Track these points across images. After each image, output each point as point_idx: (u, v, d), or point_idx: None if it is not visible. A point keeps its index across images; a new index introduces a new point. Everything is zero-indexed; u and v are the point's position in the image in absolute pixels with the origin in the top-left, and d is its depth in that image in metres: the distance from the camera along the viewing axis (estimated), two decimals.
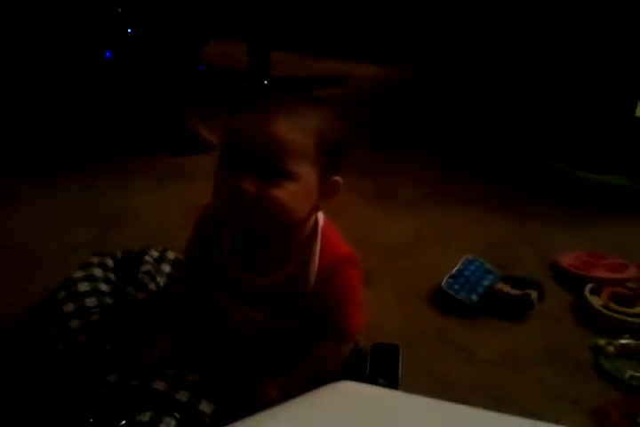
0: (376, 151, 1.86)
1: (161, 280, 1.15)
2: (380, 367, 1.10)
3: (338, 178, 0.90)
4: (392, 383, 1.07)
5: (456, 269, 1.36)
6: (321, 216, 0.95)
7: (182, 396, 0.91)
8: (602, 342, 1.21)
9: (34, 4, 1.91)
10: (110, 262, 1.20)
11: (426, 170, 1.81)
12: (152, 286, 1.13)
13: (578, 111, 1.75)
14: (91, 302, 1.08)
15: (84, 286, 1.11)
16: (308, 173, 0.85)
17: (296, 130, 0.83)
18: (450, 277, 1.34)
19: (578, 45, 1.75)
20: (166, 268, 1.19)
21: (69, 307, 1.06)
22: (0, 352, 1.09)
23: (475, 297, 1.29)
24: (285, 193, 0.83)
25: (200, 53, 1.81)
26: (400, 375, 1.08)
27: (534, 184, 1.74)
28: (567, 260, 1.43)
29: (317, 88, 2.14)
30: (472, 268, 1.37)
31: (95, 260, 1.19)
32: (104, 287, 1.13)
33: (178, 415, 0.89)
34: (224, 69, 2.26)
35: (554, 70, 1.81)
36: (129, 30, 2.13)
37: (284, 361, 0.97)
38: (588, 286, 1.34)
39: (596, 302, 1.30)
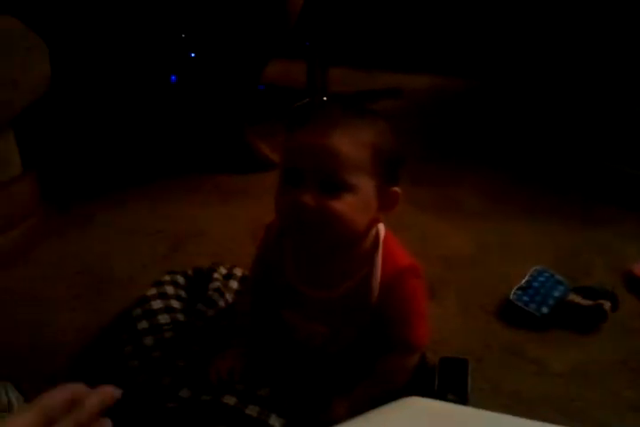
0: (434, 162, 1.86)
1: (229, 297, 1.17)
2: (449, 382, 1.09)
3: (397, 189, 0.91)
4: (461, 399, 1.06)
5: (525, 280, 1.34)
6: (382, 228, 0.95)
7: (252, 411, 0.92)
8: None
9: (103, 35, 1.99)
10: (181, 280, 1.24)
11: (486, 180, 1.79)
12: (221, 303, 1.15)
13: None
14: (164, 318, 1.11)
15: (157, 304, 1.14)
16: (365, 184, 0.86)
17: (351, 143, 0.84)
18: (518, 289, 1.31)
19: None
20: (234, 284, 1.22)
21: (143, 324, 1.10)
22: (77, 369, 1.13)
23: (545, 309, 1.27)
24: (344, 205, 0.84)
25: (260, 73, 1.85)
26: (469, 390, 1.07)
27: (603, 191, 1.70)
28: None
29: (373, 101, 2.15)
30: (541, 279, 1.34)
31: (167, 277, 1.22)
32: (176, 304, 1.16)
33: None
34: (283, 88, 2.30)
35: (616, 72, 1.76)
36: (192, 55, 2.20)
37: (351, 375, 0.97)
38: None
39: None
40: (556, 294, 1.30)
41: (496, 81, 2.31)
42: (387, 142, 0.88)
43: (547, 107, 1.96)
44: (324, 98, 2.16)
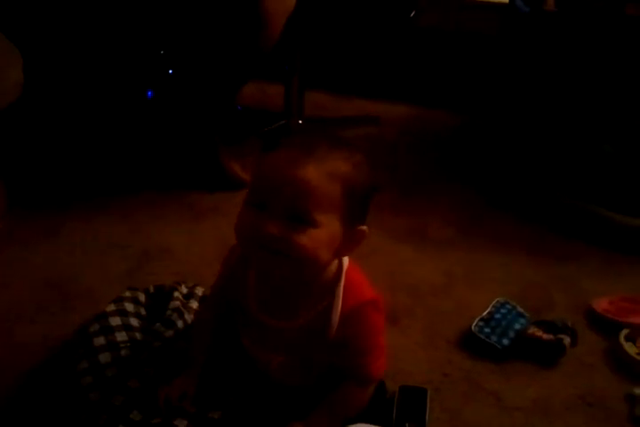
0: (405, 191, 1.87)
1: (189, 317, 1.16)
2: (408, 411, 1.08)
3: (364, 227, 0.89)
4: None
5: (487, 311, 1.34)
6: (345, 260, 0.94)
7: None
8: (637, 391, 1.17)
9: (82, 45, 1.99)
10: (142, 297, 1.22)
11: (458, 210, 1.80)
12: (180, 324, 1.14)
13: (612, 151, 1.74)
14: (121, 336, 1.09)
15: (115, 321, 1.12)
16: (332, 222, 0.84)
17: (324, 177, 0.82)
18: (480, 320, 1.32)
19: (612, 85, 1.75)
20: (194, 304, 1.20)
21: (100, 340, 1.08)
22: (30, 383, 1.11)
23: (506, 341, 1.27)
24: (308, 239, 0.82)
25: (237, 93, 1.86)
26: (427, 420, 1.07)
27: (569, 226, 1.72)
28: (601, 304, 1.40)
29: (349, 128, 2.17)
30: (503, 311, 1.35)
31: (128, 293, 1.21)
32: (135, 322, 1.14)
33: None
34: (260, 110, 2.31)
35: (587, 109, 1.80)
36: (170, 71, 2.20)
37: (306, 403, 0.96)
38: (623, 332, 1.31)
39: (631, 349, 1.27)
40: (517, 326, 1.30)
41: (472, 113, 2.35)
42: (360, 178, 0.86)
43: (516, 141, 1.99)
44: (300, 122, 2.17)
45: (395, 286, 1.44)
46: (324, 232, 0.83)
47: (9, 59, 1.38)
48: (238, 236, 0.88)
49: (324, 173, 0.82)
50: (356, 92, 2.49)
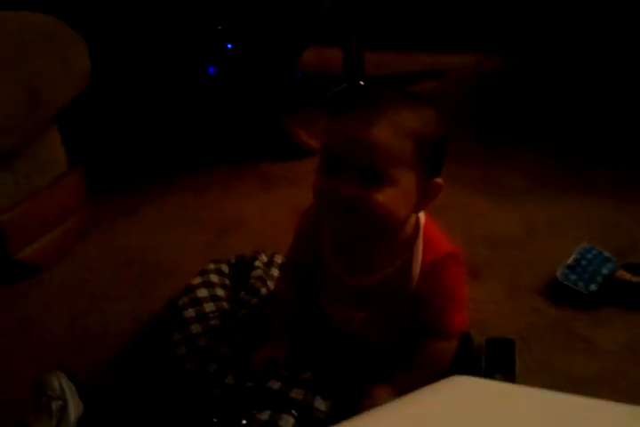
0: (477, 141, 1.82)
1: (271, 284, 1.18)
2: (496, 363, 1.08)
3: (439, 180, 0.88)
4: (509, 378, 1.05)
5: (572, 258, 1.31)
6: (422, 215, 0.94)
7: (297, 394, 0.93)
8: None
9: (141, 29, 2.02)
10: (225, 268, 1.25)
11: (531, 158, 1.75)
12: (263, 291, 1.16)
13: None
14: (209, 307, 1.13)
15: (202, 293, 1.16)
16: (406, 177, 0.84)
17: (395, 134, 0.82)
18: (566, 268, 1.29)
19: None
20: (275, 272, 1.23)
21: (190, 313, 1.12)
22: (126, 357, 1.16)
23: (594, 287, 1.24)
24: (384, 197, 0.82)
25: (297, 61, 1.85)
26: (517, 370, 1.06)
27: None
28: None
29: (415, 83, 2.13)
30: (589, 256, 1.31)
31: (212, 266, 1.24)
32: (221, 293, 1.18)
33: (295, 413, 0.92)
34: (320, 75, 2.30)
35: None
36: (229, 46, 2.22)
37: (390, 360, 0.97)
38: None
39: None
40: (605, 271, 1.27)
41: (538, 57, 2.26)
42: (432, 133, 0.85)
43: (585, 83, 1.90)
44: (362, 82, 2.14)
45: (473, 240, 1.42)
46: (399, 188, 0.83)
47: (76, 49, 1.42)
48: (316, 197, 0.89)
49: (394, 129, 0.82)
50: (416, 46, 2.43)
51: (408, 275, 0.92)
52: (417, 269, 0.91)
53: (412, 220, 0.92)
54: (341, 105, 0.87)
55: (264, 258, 1.28)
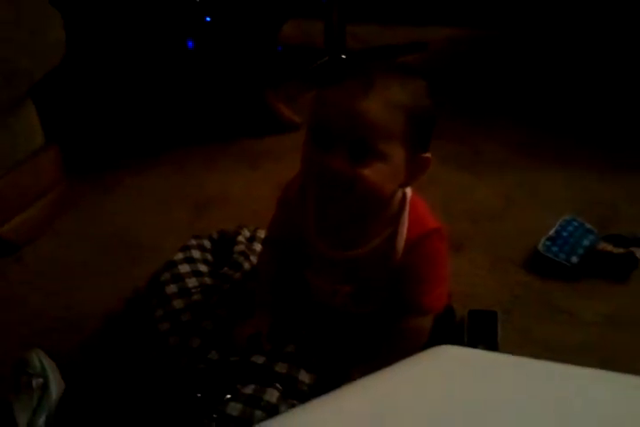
0: (459, 115, 1.81)
1: (254, 259, 1.17)
2: (479, 334, 1.09)
3: (428, 155, 0.88)
4: (492, 349, 1.06)
5: (553, 230, 1.32)
6: (408, 189, 0.94)
7: (281, 368, 0.93)
8: None
9: (117, 3, 1.98)
10: (207, 244, 1.24)
11: (510, 131, 1.75)
12: (246, 266, 1.16)
13: None
14: (191, 282, 1.12)
15: (184, 268, 1.15)
16: (397, 152, 0.83)
17: (386, 108, 0.80)
18: (547, 240, 1.30)
19: None
20: (258, 247, 1.22)
21: (172, 288, 1.11)
22: (108, 333, 1.16)
23: (575, 258, 1.25)
24: (374, 172, 0.82)
25: (277, 34, 1.82)
26: (499, 341, 1.07)
27: (627, 137, 1.65)
28: None
29: (396, 56, 2.11)
30: (570, 228, 1.32)
31: (194, 242, 1.23)
32: (203, 268, 1.17)
33: (279, 386, 0.92)
34: (302, 48, 2.26)
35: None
36: (208, 19, 2.17)
37: (373, 332, 0.97)
38: None
39: None
40: (586, 242, 1.28)
41: (520, 31, 2.24)
42: (423, 106, 0.84)
43: (570, 55, 1.90)
44: (343, 56, 2.12)
45: (455, 214, 1.42)
46: (389, 163, 0.83)
47: (49, 20, 1.38)
48: (304, 171, 0.88)
49: (384, 103, 0.80)
50: (398, 20, 2.41)
51: (392, 248, 0.91)
52: (401, 242, 0.91)
53: (399, 194, 0.92)
54: (329, 77, 0.86)
55: (247, 233, 1.27)
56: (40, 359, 0.99)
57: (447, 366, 0.73)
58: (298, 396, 0.92)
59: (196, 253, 1.20)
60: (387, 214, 0.92)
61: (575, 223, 1.33)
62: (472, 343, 1.07)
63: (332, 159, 0.82)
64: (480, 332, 1.09)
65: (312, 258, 0.98)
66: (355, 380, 0.88)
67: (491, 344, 1.07)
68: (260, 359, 0.94)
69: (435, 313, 0.97)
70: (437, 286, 0.95)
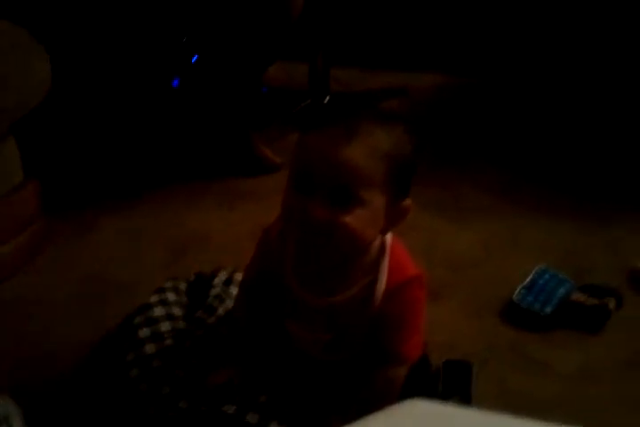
0: (440, 161, 1.84)
1: (230, 303, 1.17)
2: (453, 385, 1.08)
3: (408, 202, 0.89)
4: (466, 401, 1.05)
5: (528, 279, 1.32)
6: (389, 235, 0.94)
7: (252, 418, 0.92)
8: None
9: (104, 38, 2.00)
10: (183, 286, 1.23)
11: (491, 179, 1.77)
12: (221, 310, 1.15)
13: None
14: (165, 326, 1.11)
15: (158, 311, 1.14)
16: (377, 199, 0.84)
17: (368, 156, 0.81)
18: (522, 289, 1.30)
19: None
20: (235, 290, 1.21)
21: (145, 332, 1.10)
22: (78, 376, 1.14)
23: (549, 309, 1.26)
24: (355, 219, 0.82)
25: (262, 76, 1.85)
26: (474, 393, 1.06)
27: (608, 188, 1.68)
28: None
29: (378, 101, 2.14)
30: (545, 278, 1.33)
31: (169, 284, 1.22)
32: (177, 312, 1.16)
33: None
34: (286, 90, 2.29)
35: (617, 68, 1.75)
36: (194, 58, 2.20)
37: (349, 384, 0.96)
38: None
39: None
40: (561, 293, 1.28)
41: (502, 79, 2.29)
42: (404, 154, 0.85)
43: (553, 104, 1.94)
44: (327, 98, 2.15)
45: (433, 260, 1.42)
46: (370, 210, 0.83)
47: (35, 57, 1.39)
48: (285, 219, 0.89)
49: (367, 150, 0.81)
50: (381, 65, 2.45)
51: (372, 295, 0.92)
52: (381, 290, 0.92)
53: (379, 241, 0.92)
54: (311, 121, 0.87)
55: (223, 276, 1.26)
56: (6, 406, 0.97)
57: (416, 423, 0.73)
58: None
59: (171, 296, 1.19)
60: (367, 261, 0.92)
61: (550, 273, 1.34)
62: (447, 394, 1.06)
63: (313, 205, 0.82)
64: (455, 382, 1.09)
65: (290, 304, 0.98)
66: None
67: (465, 395, 1.06)
68: (230, 409, 0.93)
69: (411, 362, 0.97)
70: (414, 334, 0.95)
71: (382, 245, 0.93)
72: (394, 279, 0.91)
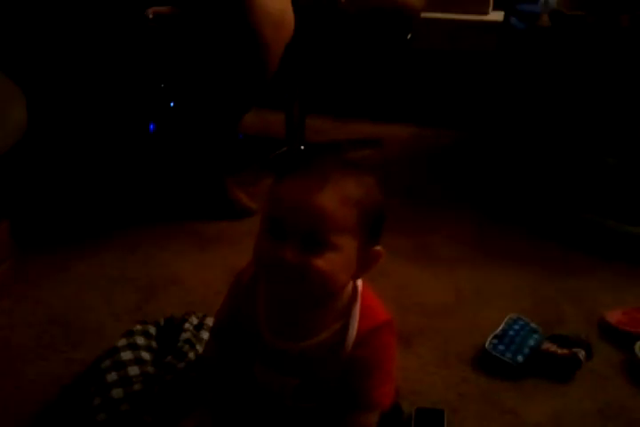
0: (411, 210, 1.87)
1: (200, 348, 1.15)
2: None
3: (379, 248, 0.90)
4: None
5: (500, 328, 1.33)
6: (359, 281, 0.95)
7: None
8: None
9: (81, 83, 2.01)
10: (152, 330, 1.22)
11: (463, 228, 1.80)
12: (191, 355, 1.13)
13: (616, 163, 1.74)
14: (133, 371, 1.09)
15: (126, 355, 1.12)
16: (348, 244, 0.85)
17: (339, 202, 0.83)
18: (494, 338, 1.31)
19: (612, 97, 1.76)
20: (205, 335, 1.20)
21: (112, 376, 1.08)
22: (44, 419, 1.10)
23: (520, 358, 1.26)
24: (326, 263, 0.83)
25: (238, 123, 1.88)
26: None
27: (580, 240, 1.71)
28: (615, 316, 1.39)
29: (352, 151, 2.18)
30: (516, 327, 1.34)
31: (138, 328, 1.21)
32: (146, 356, 1.14)
33: None
34: (262, 138, 2.33)
35: (589, 122, 1.81)
36: (171, 104, 2.23)
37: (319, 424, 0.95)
38: (639, 344, 1.30)
39: None
40: (532, 342, 1.29)
41: (471, 131, 2.36)
42: (374, 201, 0.88)
43: (526, 156, 1.99)
44: (302, 147, 2.18)
45: (404, 307, 1.43)
46: (341, 255, 0.84)
47: (12, 99, 1.40)
48: (255, 259, 0.89)
49: (338, 197, 0.83)
50: (355, 115, 2.51)
51: (343, 341, 0.91)
52: (352, 335, 0.91)
53: (350, 286, 0.93)
54: (285, 168, 0.89)
55: (194, 320, 1.25)
56: None
57: None
58: None
59: (140, 340, 1.17)
60: (337, 306, 0.92)
61: (521, 322, 1.35)
62: None
63: (286, 251, 0.83)
64: None
65: (260, 349, 0.97)
66: None
67: None
68: None
69: (382, 409, 0.96)
70: (387, 380, 0.95)
71: (354, 291, 0.93)
72: (365, 324, 0.91)
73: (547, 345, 1.28)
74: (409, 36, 2.07)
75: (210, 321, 1.25)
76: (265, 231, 0.86)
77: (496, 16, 2.43)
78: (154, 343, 1.18)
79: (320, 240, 0.83)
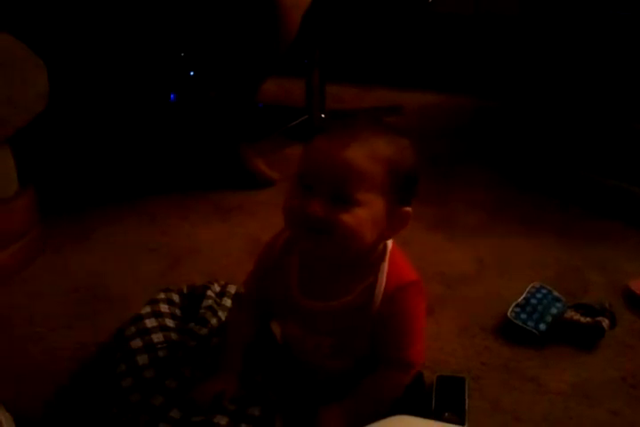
0: (433, 178, 1.85)
1: (222, 315, 1.16)
2: (446, 401, 1.08)
3: (408, 209, 0.91)
4: (459, 417, 1.04)
5: (522, 297, 1.33)
6: (390, 242, 0.95)
7: None
8: None
9: (103, 52, 2.01)
10: (176, 298, 1.23)
11: (485, 196, 1.78)
12: (214, 322, 1.14)
13: None
14: (157, 337, 1.10)
15: (151, 322, 1.13)
16: (376, 201, 0.86)
17: (368, 158, 0.84)
18: (516, 306, 1.30)
19: None
20: (227, 302, 1.21)
21: (137, 343, 1.09)
22: (70, 386, 1.13)
23: (543, 326, 1.25)
24: (353, 218, 0.84)
25: (257, 91, 1.86)
26: (467, 409, 1.06)
27: (604, 206, 1.69)
28: (639, 285, 1.38)
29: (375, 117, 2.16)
30: (539, 296, 1.33)
31: (162, 295, 1.22)
32: (170, 323, 1.15)
33: None
34: (282, 106, 2.31)
35: (616, 88, 1.77)
36: (191, 73, 2.22)
37: (346, 389, 0.96)
38: None
39: None
40: (554, 311, 1.28)
41: (495, 97, 2.32)
42: (405, 161, 0.88)
43: (548, 122, 1.96)
44: (322, 115, 2.16)
45: (427, 276, 1.41)
46: (367, 211, 0.85)
47: (34, 69, 1.40)
48: (285, 216, 0.90)
49: (366, 154, 0.84)
50: (376, 82, 2.48)
51: (372, 296, 0.92)
52: (380, 293, 0.92)
53: (380, 246, 0.94)
54: (322, 129, 0.90)
55: (216, 288, 1.26)
56: None
57: None
58: None
59: (163, 308, 1.18)
60: (367, 264, 0.93)
61: (544, 291, 1.34)
62: (439, 410, 1.06)
63: (313, 202, 0.84)
64: (448, 398, 1.08)
65: (292, 311, 0.97)
66: (321, 421, 0.89)
67: (458, 412, 1.06)
68: (223, 420, 0.92)
69: (414, 368, 0.97)
70: (416, 340, 0.95)
71: (383, 250, 0.94)
72: (392, 283, 0.92)
73: (570, 314, 1.27)
74: (430, 0, 2.02)
75: (232, 289, 1.26)
76: (295, 188, 0.88)
77: None
78: (177, 311, 1.19)
79: (347, 195, 0.84)
